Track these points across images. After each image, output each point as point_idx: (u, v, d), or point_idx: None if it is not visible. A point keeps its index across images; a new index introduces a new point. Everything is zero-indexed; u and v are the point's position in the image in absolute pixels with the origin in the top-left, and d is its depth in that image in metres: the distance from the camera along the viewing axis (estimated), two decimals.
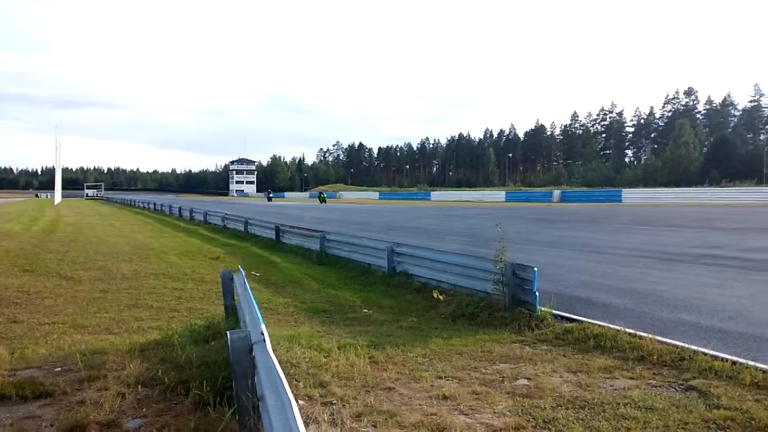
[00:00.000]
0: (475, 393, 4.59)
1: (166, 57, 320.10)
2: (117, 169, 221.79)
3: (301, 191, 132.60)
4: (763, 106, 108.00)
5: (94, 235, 21.89)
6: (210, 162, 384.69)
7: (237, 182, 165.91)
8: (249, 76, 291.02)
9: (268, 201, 58.79)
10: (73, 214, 41.10)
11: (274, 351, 5.59)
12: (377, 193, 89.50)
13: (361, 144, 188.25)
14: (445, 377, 5.07)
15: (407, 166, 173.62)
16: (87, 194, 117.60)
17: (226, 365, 4.39)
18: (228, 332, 3.87)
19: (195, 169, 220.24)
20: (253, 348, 3.73)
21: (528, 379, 4.96)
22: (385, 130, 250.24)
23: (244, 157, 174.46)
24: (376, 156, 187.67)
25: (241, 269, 6.76)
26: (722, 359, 5.18)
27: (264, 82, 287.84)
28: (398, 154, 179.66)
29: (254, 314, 4.34)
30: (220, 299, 7.81)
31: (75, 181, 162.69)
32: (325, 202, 49.11)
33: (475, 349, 6.08)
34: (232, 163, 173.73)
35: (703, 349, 5.52)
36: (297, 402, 4.38)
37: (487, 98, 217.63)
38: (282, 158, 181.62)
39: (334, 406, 4.26)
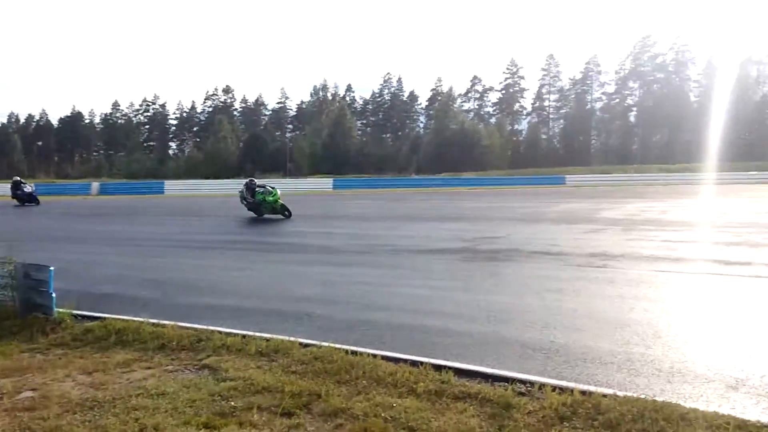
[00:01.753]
0: None
1: None
2: None
3: None
4: (287, 107, 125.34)
5: None
6: None
7: None
8: None
9: (21, 202, 29.11)
10: None
11: None
12: None
13: None
14: None
15: None
16: None
17: None
18: None
19: None
20: None
21: (33, 390, 4.48)
22: None
23: None
24: None
25: None
26: (235, 335, 5.73)
27: None
28: None
29: None
30: None
31: None
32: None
33: None
34: None
35: (219, 329, 5.99)
36: None
37: (12, 80, 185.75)
38: None
39: None
